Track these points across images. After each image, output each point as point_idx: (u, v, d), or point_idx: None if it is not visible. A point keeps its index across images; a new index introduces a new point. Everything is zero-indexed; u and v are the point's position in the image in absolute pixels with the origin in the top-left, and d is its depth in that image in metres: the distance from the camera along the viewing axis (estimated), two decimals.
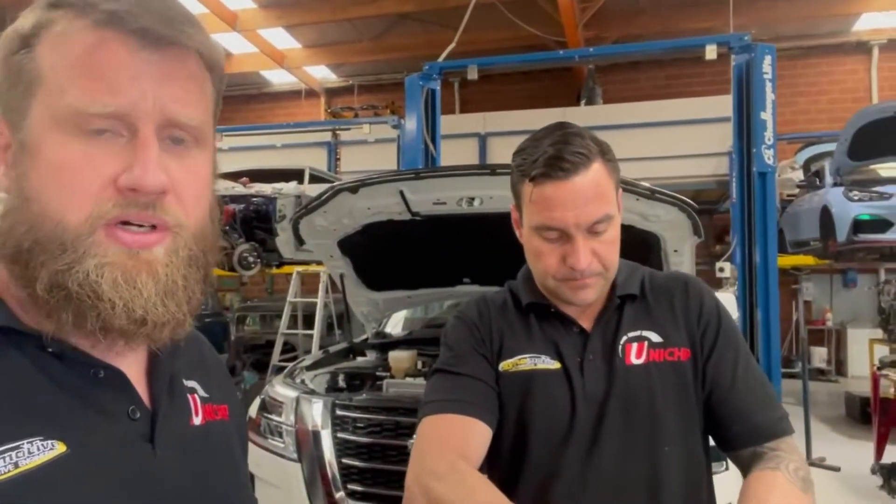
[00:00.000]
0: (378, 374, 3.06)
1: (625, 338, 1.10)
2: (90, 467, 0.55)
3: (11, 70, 0.56)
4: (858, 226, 5.70)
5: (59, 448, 0.53)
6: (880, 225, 5.62)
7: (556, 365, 1.10)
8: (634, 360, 1.08)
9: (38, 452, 0.52)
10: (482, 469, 1.06)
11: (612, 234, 1.05)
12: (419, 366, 3.11)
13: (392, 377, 2.99)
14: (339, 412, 2.58)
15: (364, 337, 3.78)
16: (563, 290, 1.07)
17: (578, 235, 1.01)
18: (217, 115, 0.66)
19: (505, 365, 1.12)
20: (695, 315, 1.12)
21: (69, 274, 0.54)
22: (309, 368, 3.15)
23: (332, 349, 3.66)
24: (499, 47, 8.30)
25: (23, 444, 0.52)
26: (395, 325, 4.07)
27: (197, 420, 0.68)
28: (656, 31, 8.56)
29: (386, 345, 3.45)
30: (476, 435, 1.05)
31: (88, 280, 0.54)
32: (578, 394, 1.07)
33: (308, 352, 5.62)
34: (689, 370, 1.10)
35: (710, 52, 5.00)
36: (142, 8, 0.55)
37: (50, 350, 0.56)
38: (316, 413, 2.60)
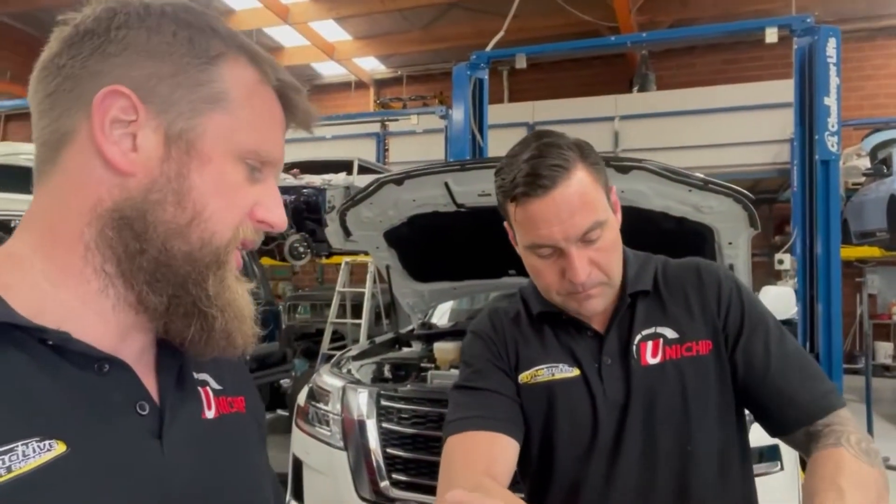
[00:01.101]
0: (423, 365, 3.07)
1: (639, 337, 1.06)
2: (93, 467, 0.52)
3: (191, 73, 0.59)
4: None
5: (59, 448, 0.51)
6: None
7: (574, 372, 1.07)
8: (650, 360, 1.05)
9: (34, 454, 0.49)
10: (514, 482, 1.05)
11: (609, 240, 1.01)
12: None
13: (437, 368, 3.00)
14: (384, 402, 2.61)
15: (410, 328, 3.80)
16: (570, 303, 1.04)
17: (571, 248, 0.98)
18: None
19: (523, 377, 1.10)
20: (713, 302, 1.07)
21: (213, 281, 0.59)
22: (355, 358, 3.19)
23: (378, 339, 3.69)
24: (549, 34, 8.16)
25: (17, 446, 0.49)
26: (441, 316, 4.08)
27: (210, 413, 0.66)
28: (713, 15, 8.26)
29: (431, 336, 3.46)
30: (502, 450, 1.03)
31: (227, 291, 0.61)
32: (599, 400, 1.05)
33: (356, 341, 5.70)
34: (711, 363, 1.05)
35: (771, 35, 4.79)
36: (294, 86, 0.66)
37: (51, 343, 0.54)
38: (361, 403, 2.63)
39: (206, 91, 0.59)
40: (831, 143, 4.42)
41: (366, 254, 6.77)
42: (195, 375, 0.67)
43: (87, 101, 0.56)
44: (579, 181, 0.98)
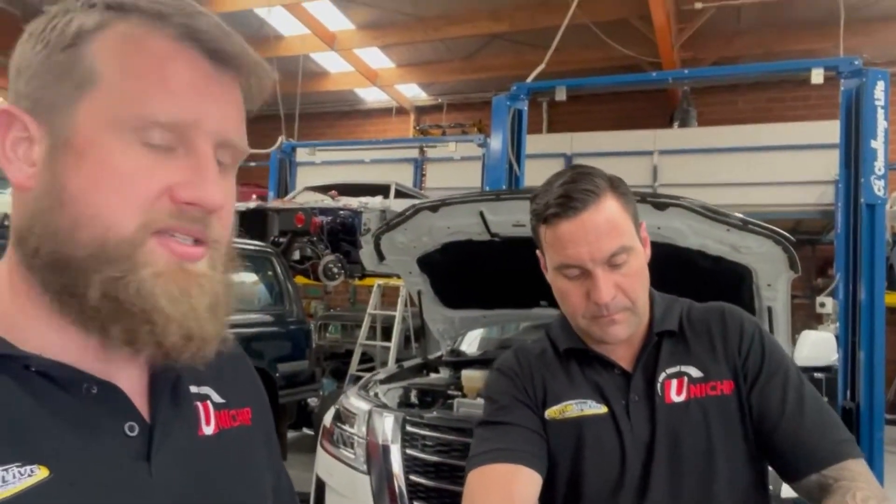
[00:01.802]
0: (450, 392, 3.06)
1: (663, 375, 1.09)
2: (75, 491, 0.51)
3: (55, 66, 0.54)
4: None
5: (41, 473, 0.49)
6: None
7: (602, 409, 1.09)
8: (675, 398, 1.07)
9: (15, 480, 0.48)
10: None
11: (635, 267, 1.05)
12: None
13: (464, 396, 2.98)
14: (409, 428, 2.60)
15: (439, 353, 3.80)
16: (593, 328, 1.06)
17: (597, 270, 1.02)
18: None
19: (551, 412, 1.11)
20: (734, 343, 1.10)
21: (122, 284, 0.52)
22: (383, 382, 3.19)
23: (406, 364, 3.70)
24: (590, 67, 8.19)
25: None
26: (470, 344, 4.07)
27: (208, 429, 0.64)
28: (758, 54, 8.20)
29: (459, 363, 3.45)
30: (523, 482, 1.04)
31: (144, 290, 0.53)
32: (627, 438, 1.06)
33: (385, 363, 5.71)
34: (733, 402, 1.07)
35: (817, 76, 4.73)
36: (218, 30, 0.56)
37: (35, 370, 0.52)
38: (387, 427, 2.62)
39: (74, 77, 0.54)
40: (878, 186, 4.31)
41: (398, 277, 6.82)
42: (195, 390, 0.65)
43: None
44: (608, 207, 1.04)
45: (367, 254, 7.07)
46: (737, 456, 1.05)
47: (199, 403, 0.65)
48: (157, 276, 0.54)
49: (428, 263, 3.11)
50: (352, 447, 2.73)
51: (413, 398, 3.00)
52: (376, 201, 7.04)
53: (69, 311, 0.54)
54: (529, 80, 5.38)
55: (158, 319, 0.54)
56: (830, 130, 5.82)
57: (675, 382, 1.08)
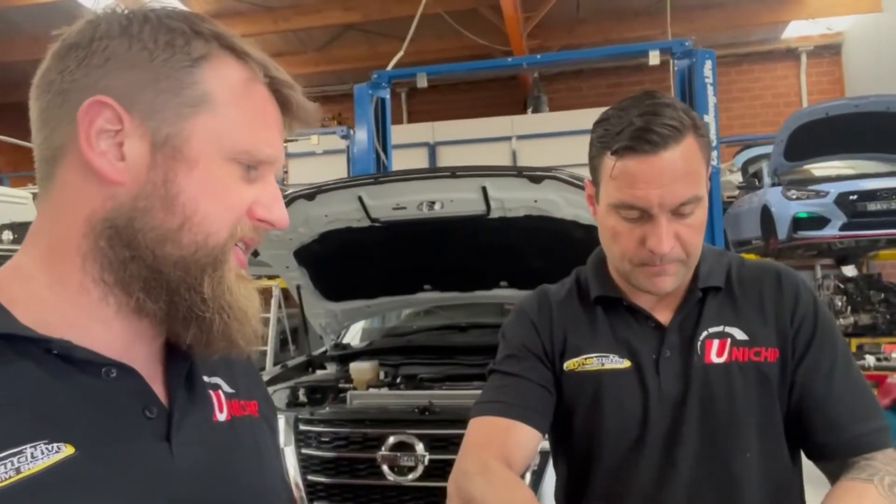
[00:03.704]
0: (340, 386, 2.97)
1: (705, 333, 1.01)
2: (101, 469, 0.54)
3: (168, 78, 0.58)
4: (797, 223, 5.92)
5: (67, 450, 0.52)
6: (818, 222, 5.85)
7: (625, 364, 1.03)
8: (715, 359, 0.99)
9: (43, 456, 0.51)
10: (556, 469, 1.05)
11: (699, 218, 0.96)
12: (381, 376, 3.04)
13: (354, 389, 2.91)
14: (302, 427, 2.48)
15: (323, 349, 3.68)
16: (639, 276, 0.99)
17: (662, 216, 0.93)
18: None
19: (570, 364, 1.06)
20: (788, 312, 1.01)
21: (213, 283, 0.59)
22: (268, 384, 3.03)
23: (290, 363, 3.54)
24: (444, 57, 8.31)
25: (26, 448, 0.50)
26: (354, 336, 3.99)
27: (221, 416, 0.67)
28: (597, 41, 8.75)
29: (346, 356, 3.36)
30: (518, 438, 1.00)
31: (227, 290, 0.60)
32: (652, 394, 1.00)
33: (262, 369, 5.45)
34: (775, 372, 0.99)
35: (654, 57, 5.14)
36: (289, 85, 0.65)
37: (56, 353, 0.55)
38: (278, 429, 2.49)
39: (190, 94, 0.59)
40: (712, 157, 4.76)
41: (269, 277, 6.53)
42: (207, 379, 0.68)
43: (74, 114, 0.57)
44: (689, 149, 0.93)
45: None
46: (771, 427, 1.00)
47: (211, 392, 0.68)
48: (240, 279, 0.62)
49: (306, 256, 2.99)
50: None
51: (302, 397, 2.87)
52: None
53: (144, 305, 0.58)
54: (390, 67, 5.36)
55: (233, 313, 0.60)
56: None
57: (716, 343, 1.00)
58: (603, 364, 1.04)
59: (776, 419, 1.01)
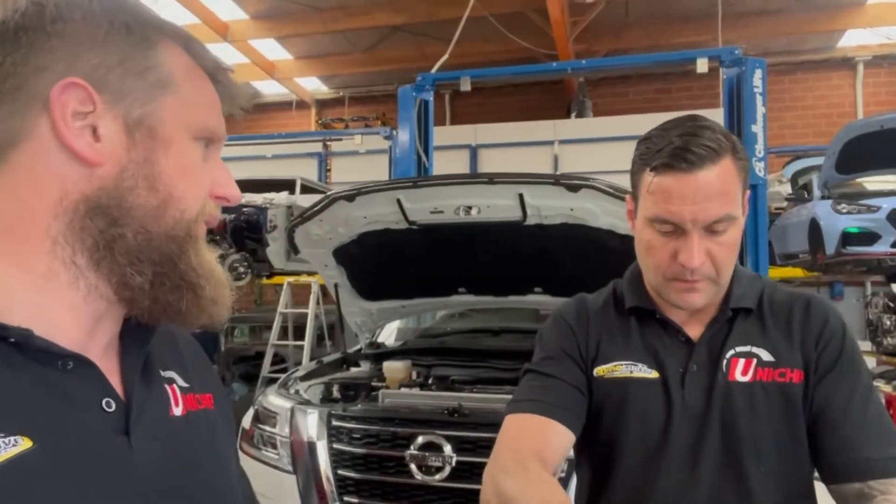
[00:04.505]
0: (373, 384, 3.03)
1: (731, 352, 1.04)
2: (59, 462, 0.52)
3: (130, 59, 0.59)
4: (847, 238, 5.74)
5: (25, 444, 0.51)
6: (868, 237, 5.67)
7: (653, 374, 1.06)
8: (739, 377, 1.02)
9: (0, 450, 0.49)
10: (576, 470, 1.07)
11: (732, 238, 0.99)
12: (414, 376, 3.08)
13: (387, 388, 2.96)
14: (334, 423, 2.55)
15: (357, 347, 3.74)
16: (670, 290, 1.02)
17: (694, 232, 0.97)
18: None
19: (599, 370, 1.09)
20: (814, 335, 1.04)
21: (200, 256, 0.63)
22: (303, 379, 3.11)
23: (325, 360, 3.62)
24: (489, 60, 8.33)
25: None
26: (389, 336, 4.04)
27: (177, 410, 0.67)
28: (645, 46, 8.62)
29: (380, 355, 3.42)
30: (553, 437, 1.03)
31: (203, 260, 0.63)
32: (676, 406, 1.03)
33: (298, 363, 5.56)
34: (799, 393, 1.02)
35: (702, 65, 5.05)
36: (222, 70, 0.69)
37: (13, 341, 0.53)
38: (311, 424, 2.56)
39: (154, 76, 0.60)
40: (759, 168, 4.65)
41: (309, 274, 6.65)
42: (162, 373, 0.68)
43: (40, 96, 0.55)
44: (725, 170, 0.97)
45: (275, 251, 6.86)
46: (793, 447, 1.02)
47: (167, 386, 0.67)
48: (208, 251, 0.65)
49: (344, 255, 3.05)
50: (275, 447, 2.64)
51: (336, 393, 2.94)
52: (282, 197, 6.83)
53: (131, 280, 0.59)
54: (434, 70, 5.40)
55: (215, 284, 0.63)
56: (713, 118, 6.20)
57: (742, 362, 1.03)
58: (631, 372, 1.07)
59: (799, 440, 1.02)
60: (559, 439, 1.03)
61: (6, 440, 0.50)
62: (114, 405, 0.58)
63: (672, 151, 0.96)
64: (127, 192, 0.58)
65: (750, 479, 1.00)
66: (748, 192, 1.04)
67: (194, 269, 0.62)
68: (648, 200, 1.00)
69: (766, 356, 1.03)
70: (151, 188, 0.59)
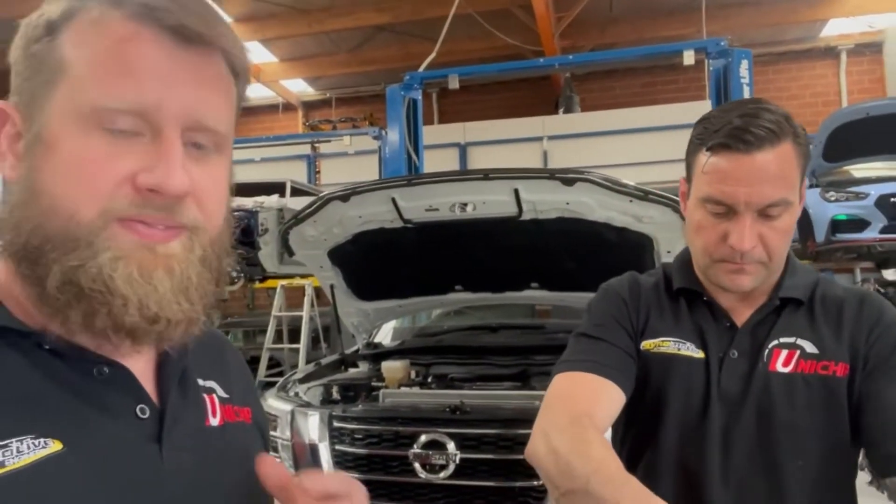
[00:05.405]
0: (373, 384, 3.02)
1: (775, 342, 1.03)
2: (87, 466, 0.52)
3: (33, 58, 0.55)
4: (836, 226, 5.79)
5: (55, 446, 0.51)
6: (857, 224, 5.72)
7: (699, 354, 1.05)
8: (780, 368, 1.01)
9: (29, 451, 0.50)
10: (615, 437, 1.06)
11: (786, 223, 0.97)
12: (412, 375, 3.08)
13: (386, 387, 2.95)
14: (336, 424, 2.53)
15: (355, 348, 3.73)
16: (718, 272, 1.01)
17: (747, 214, 0.95)
18: (237, 122, 0.63)
19: (647, 344, 1.08)
20: (866, 329, 1.01)
21: (82, 270, 0.52)
22: (302, 381, 3.09)
23: (323, 361, 3.61)
24: (476, 57, 8.32)
25: (11, 442, 0.49)
26: (385, 336, 4.04)
27: (214, 421, 0.66)
28: (630, 40, 8.66)
29: (378, 355, 3.41)
30: (606, 396, 1.01)
31: (102, 275, 0.52)
32: (713, 390, 1.03)
33: (294, 366, 5.54)
34: (843, 386, 0.99)
35: (688, 57, 5.08)
36: (178, 4, 0.54)
37: (48, 348, 0.54)
38: (312, 426, 2.55)
39: (48, 68, 0.54)
40: None
41: (302, 276, 6.63)
42: (201, 382, 0.67)
43: None
44: (784, 153, 0.95)
45: (267, 254, 6.81)
46: (833, 441, 0.99)
47: (205, 395, 0.66)
48: (117, 260, 0.53)
49: (340, 256, 3.04)
50: (276, 451, 2.62)
51: (335, 394, 2.93)
52: (272, 200, 6.79)
53: (40, 299, 0.54)
54: (422, 68, 5.40)
55: (114, 301, 0.52)
56: (700, 110, 6.24)
57: (784, 353, 1.01)
58: (679, 349, 1.06)
59: (841, 435, 1.00)
60: (610, 398, 1.01)
61: (36, 441, 0.50)
62: (148, 412, 0.58)
63: (730, 131, 0.94)
64: (18, 208, 0.54)
65: (783, 471, 0.99)
66: (806, 181, 1.02)
67: (105, 282, 0.52)
68: (702, 180, 0.99)
69: (810, 348, 1.02)
70: (34, 199, 0.53)
